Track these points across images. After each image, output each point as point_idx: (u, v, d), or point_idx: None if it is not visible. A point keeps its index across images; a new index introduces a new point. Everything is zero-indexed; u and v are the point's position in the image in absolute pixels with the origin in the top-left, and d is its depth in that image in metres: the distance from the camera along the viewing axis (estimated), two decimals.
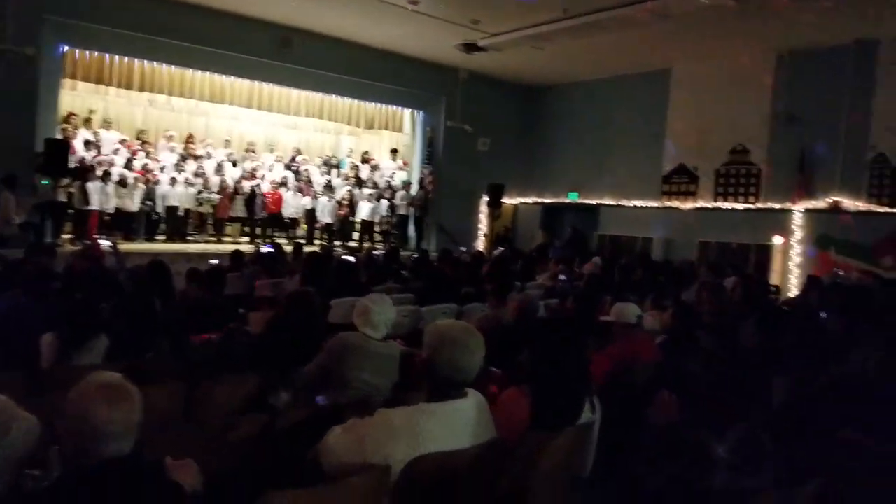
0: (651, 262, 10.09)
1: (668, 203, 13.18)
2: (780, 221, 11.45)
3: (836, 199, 10.84)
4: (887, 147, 10.41)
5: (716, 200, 12.48)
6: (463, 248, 12.52)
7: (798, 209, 11.24)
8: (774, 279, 11.02)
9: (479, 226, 15.36)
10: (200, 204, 12.47)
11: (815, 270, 10.15)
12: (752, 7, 9.39)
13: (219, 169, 13.15)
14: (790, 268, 11.29)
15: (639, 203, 13.55)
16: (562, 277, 8.11)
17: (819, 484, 1.83)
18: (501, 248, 12.65)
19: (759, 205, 11.86)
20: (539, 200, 15.60)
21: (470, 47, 12.54)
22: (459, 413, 2.23)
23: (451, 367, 2.24)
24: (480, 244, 14.71)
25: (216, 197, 12.58)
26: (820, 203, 11.02)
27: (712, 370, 2.73)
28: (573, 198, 14.83)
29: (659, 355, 4.06)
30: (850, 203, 10.71)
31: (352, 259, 8.83)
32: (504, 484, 2.24)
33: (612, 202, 14.02)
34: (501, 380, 3.38)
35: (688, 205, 12.86)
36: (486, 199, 14.70)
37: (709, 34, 10.91)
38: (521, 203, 15.91)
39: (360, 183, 14.57)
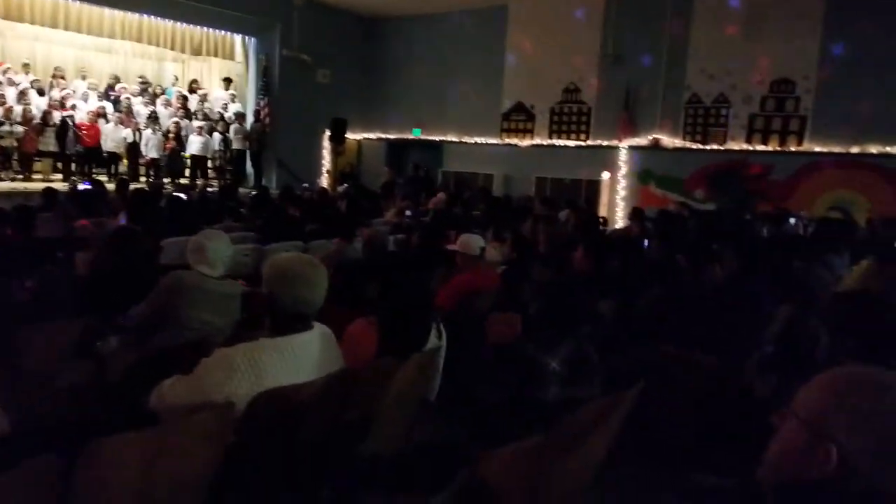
0: (492, 198, 10.46)
1: (507, 140, 13.62)
2: (607, 158, 12.29)
3: (656, 136, 11.79)
4: (701, 88, 11.42)
5: (551, 138, 13.10)
6: (306, 185, 12.20)
7: (623, 146, 12.12)
8: (603, 212, 11.89)
9: (323, 162, 14.99)
10: (2, 137, 11.00)
11: (639, 203, 11.07)
12: None
13: (22, 97, 11.62)
14: (616, 201, 12.23)
15: (480, 140, 13.89)
16: (408, 213, 8.19)
17: (639, 388, 2.03)
18: (346, 185, 12.48)
19: (590, 142, 12.62)
20: (383, 136, 15.49)
21: None
22: (304, 346, 2.21)
23: (293, 300, 2.20)
24: (324, 181, 14.39)
25: (20, 129, 11.14)
26: (643, 140, 11.94)
27: (545, 295, 2.92)
28: (417, 134, 14.87)
29: (499, 284, 4.26)
30: (668, 141, 11.71)
31: (183, 196, 8.32)
32: (353, 412, 2.26)
33: (455, 139, 14.24)
34: (350, 313, 3.38)
35: (525, 142, 13.39)
36: (328, 134, 14.33)
37: None
38: (365, 139, 15.70)
39: (188, 114, 13.55)
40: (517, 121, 13.57)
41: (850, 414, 1.01)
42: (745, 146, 11.00)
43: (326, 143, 14.76)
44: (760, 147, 10.86)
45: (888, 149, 9.70)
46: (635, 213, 8.71)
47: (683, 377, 2.67)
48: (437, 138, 14.52)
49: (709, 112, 11.37)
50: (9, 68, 12.37)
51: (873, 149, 9.82)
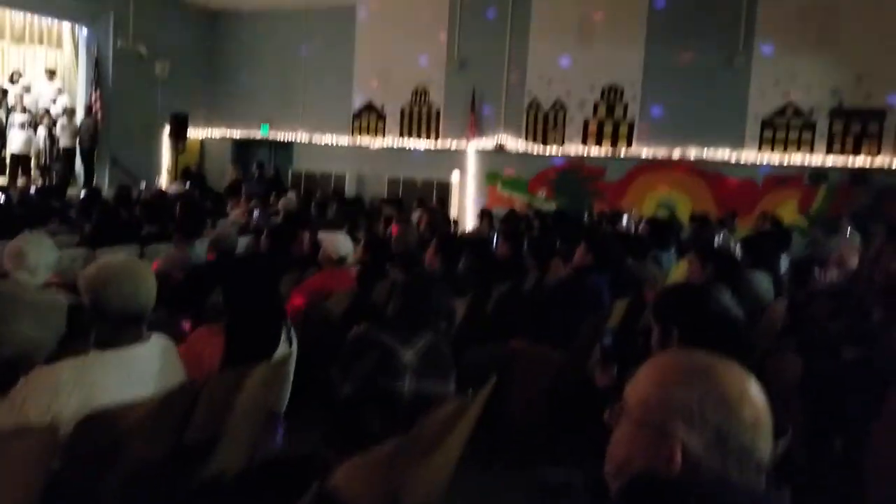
0: (344, 198, 10.31)
1: (359, 140, 13.50)
2: (456, 159, 12.55)
3: (500, 139, 12.21)
4: (540, 93, 11.97)
5: (402, 137, 13.15)
6: (143, 184, 11.33)
7: (470, 149, 12.44)
8: (454, 212, 12.13)
9: (162, 160, 13.99)
10: None
11: (487, 204, 11.41)
12: None
13: None
14: (467, 202, 12.53)
15: (331, 139, 13.65)
16: (256, 213, 7.85)
17: (491, 384, 2.05)
18: (187, 183, 11.73)
19: (439, 144, 12.82)
20: (228, 134, 14.75)
21: None
22: (139, 359, 2.02)
23: (119, 302, 2.00)
24: (164, 181, 13.45)
25: None
26: (489, 143, 12.32)
27: (401, 294, 2.90)
28: (265, 131, 14.31)
29: (354, 286, 4.18)
30: (512, 143, 12.17)
31: (1, 197, 7.43)
32: (195, 429, 2.09)
33: (305, 138, 13.89)
34: (192, 322, 3.16)
35: (377, 143, 13.34)
36: (168, 130, 13.39)
37: None
38: (209, 137, 14.87)
39: (8, 108, 12.11)
40: (368, 120, 13.48)
41: (683, 410, 1.00)
42: (581, 149, 11.69)
43: (166, 141, 13.80)
44: (595, 150, 11.60)
45: (706, 152, 10.73)
46: (483, 214, 8.97)
47: (533, 371, 2.75)
48: (286, 137, 14.07)
49: (547, 117, 11.96)
50: None
51: (693, 152, 10.82)
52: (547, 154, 11.94)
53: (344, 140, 13.56)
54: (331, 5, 13.33)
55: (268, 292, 2.75)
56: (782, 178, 10.42)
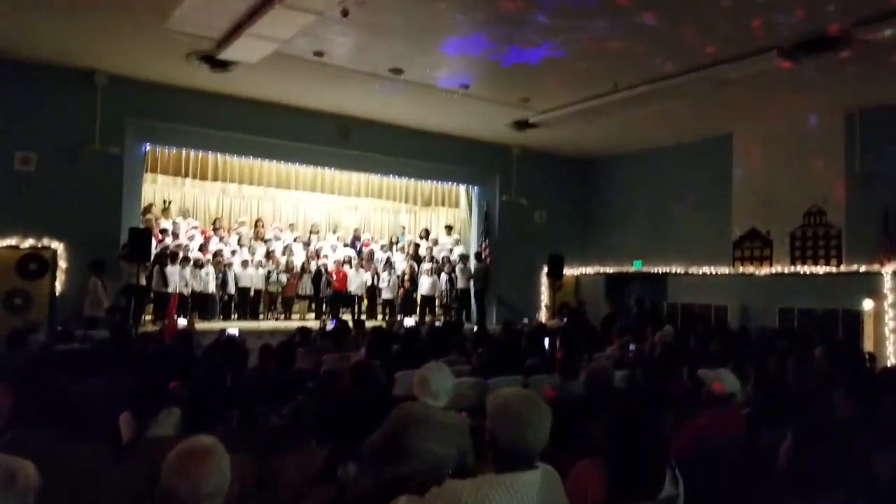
0: (727, 331, 9.66)
1: (741, 269, 12.70)
2: (868, 285, 10.82)
3: None
4: None
5: (794, 265, 11.96)
6: (525, 320, 12.34)
7: (887, 271, 10.62)
8: (868, 346, 10.33)
9: (541, 297, 15.17)
10: (270, 284, 12.87)
11: None
12: (809, 69, 9.14)
13: (286, 250, 13.60)
14: (885, 333, 10.58)
15: (709, 270, 13.15)
16: (631, 347, 7.86)
17: None
18: (565, 318, 12.39)
19: (843, 268, 11.26)
20: (601, 270, 15.36)
21: (521, 125, 12.74)
22: (528, 486, 2.15)
23: (512, 441, 2.19)
24: (542, 316, 14.47)
25: (284, 277, 12.98)
26: None
27: (804, 444, 2.52)
28: (637, 266, 14.53)
29: (744, 428, 3.82)
30: None
31: (415, 326, 8.82)
32: None
33: (679, 270, 13.66)
34: (574, 454, 3.24)
35: (763, 270, 12.37)
36: (545, 270, 14.57)
37: (768, 96, 10.68)
38: (583, 273, 15.69)
39: (418, 258, 14.74)
40: (751, 248, 12.67)
41: None
42: None
43: (544, 279, 15.00)
44: None
45: None
46: None
47: None
48: (659, 270, 14.04)
49: None
50: (277, 226, 14.69)
51: None
52: None
53: (723, 270, 12.93)
54: (704, 136, 13.32)
55: (649, 428, 2.69)
56: None
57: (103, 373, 4.80)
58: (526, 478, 2.15)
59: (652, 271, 14.20)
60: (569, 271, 14.95)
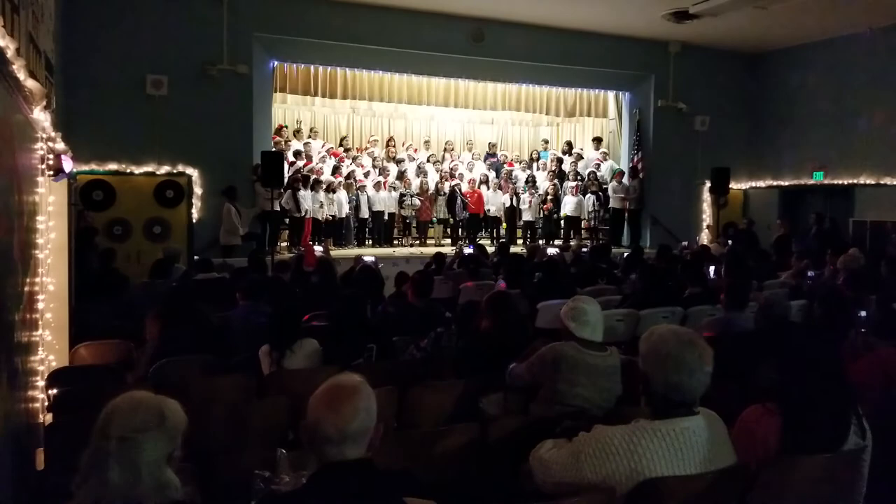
0: None
1: None
2: None
3: None
4: None
5: None
6: (684, 243, 11.88)
7: None
8: None
9: (703, 217, 14.48)
10: (404, 207, 13.23)
11: None
12: None
13: (419, 171, 13.85)
14: None
15: None
16: (810, 274, 7.37)
17: None
18: (730, 240, 11.79)
19: None
20: (774, 184, 14.34)
21: (680, 15, 11.87)
22: (687, 433, 2.12)
23: (668, 386, 2.14)
24: (704, 239, 13.86)
25: (418, 200, 13.24)
26: None
27: None
28: (818, 178, 13.41)
29: None
30: None
31: (557, 256, 8.79)
32: None
33: (869, 181, 12.44)
34: (742, 397, 3.13)
35: None
36: (708, 185, 13.82)
37: None
38: (752, 188, 14.75)
39: (562, 176, 14.46)
40: None
41: None
42: None
43: (706, 196, 14.27)
44: None
45: None
46: None
47: None
48: (844, 182, 12.87)
49: None
50: (410, 145, 14.94)
51: None
52: None
53: None
54: None
55: (833, 369, 2.53)
56: None
57: (243, 302, 5.16)
58: (685, 424, 2.13)
59: (836, 183, 13.05)
60: (735, 186, 14.10)
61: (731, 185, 13.46)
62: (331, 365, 3.90)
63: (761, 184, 14.60)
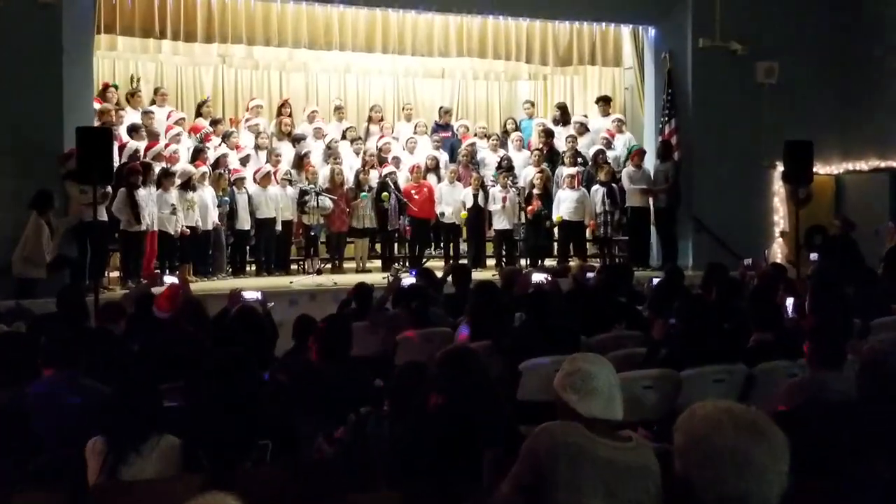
0: None
1: None
2: None
3: None
4: None
5: None
6: (747, 261, 12.04)
7: None
8: None
9: (774, 218, 14.73)
10: (306, 213, 13.13)
11: None
12: None
13: (330, 154, 13.80)
14: None
15: None
16: None
17: None
18: (817, 253, 11.97)
19: None
20: (882, 165, 14.73)
21: None
22: None
23: (722, 495, 2.13)
24: (777, 252, 14.10)
25: (329, 202, 13.10)
26: None
27: None
28: None
29: None
30: None
31: (545, 283, 8.77)
32: None
33: None
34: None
35: None
36: (780, 169, 14.06)
37: None
38: (847, 172, 15.12)
39: (553, 158, 14.54)
40: None
41: None
42: None
43: (778, 187, 14.52)
44: None
45: None
46: None
47: None
48: None
49: None
50: (315, 112, 14.78)
51: None
52: None
53: None
54: None
55: None
56: None
57: (49, 372, 5.04)
58: None
59: None
60: (822, 169, 14.44)
61: (815, 169, 13.73)
62: (194, 472, 3.87)
63: (862, 166, 15.02)
